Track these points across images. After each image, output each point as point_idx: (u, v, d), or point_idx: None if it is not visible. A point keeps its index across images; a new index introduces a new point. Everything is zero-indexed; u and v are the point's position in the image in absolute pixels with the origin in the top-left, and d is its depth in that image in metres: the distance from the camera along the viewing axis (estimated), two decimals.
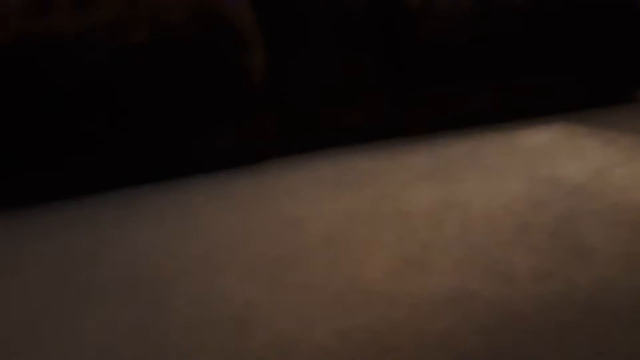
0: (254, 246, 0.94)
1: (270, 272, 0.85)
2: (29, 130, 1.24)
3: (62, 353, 0.72)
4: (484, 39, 1.28)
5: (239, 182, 1.25)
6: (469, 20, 1.26)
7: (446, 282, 0.77)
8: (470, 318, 0.70)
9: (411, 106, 1.37)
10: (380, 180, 1.13)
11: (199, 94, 1.25)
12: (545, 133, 1.22)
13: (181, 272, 0.88)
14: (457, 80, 1.33)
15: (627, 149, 1.08)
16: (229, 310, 0.76)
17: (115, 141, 1.27)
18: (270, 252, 0.91)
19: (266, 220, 1.03)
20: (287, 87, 1.32)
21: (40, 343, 0.74)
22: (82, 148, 1.27)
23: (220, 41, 1.22)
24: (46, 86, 1.21)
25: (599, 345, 0.67)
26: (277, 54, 1.29)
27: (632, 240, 0.80)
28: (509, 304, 0.72)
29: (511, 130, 1.26)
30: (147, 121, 1.26)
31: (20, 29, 1.21)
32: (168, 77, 1.23)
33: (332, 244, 0.91)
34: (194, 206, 1.15)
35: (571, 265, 0.76)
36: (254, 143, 1.35)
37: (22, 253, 1.03)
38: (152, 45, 1.19)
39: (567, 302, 0.71)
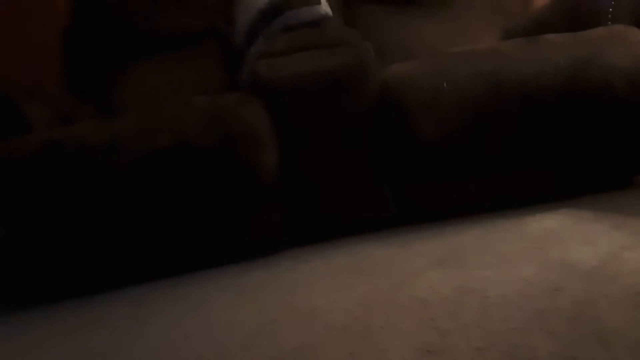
0: (270, 339, 0.93)
1: None
2: (50, 230, 1.27)
3: None
4: (486, 135, 1.34)
5: (252, 274, 1.26)
6: (469, 120, 1.33)
7: None
8: None
9: (416, 198, 1.41)
10: (394, 268, 1.13)
11: (214, 191, 1.30)
12: (552, 219, 1.25)
13: None
14: (460, 174, 1.37)
15: (635, 233, 1.09)
16: None
17: (134, 238, 1.30)
18: (287, 344, 0.90)
19: (282, 312, 1.02)
20: (297, 183, 1.37)
21: None
22: (104, 246, 1.29)
23: (237, 143, 1.29)
24: (71, 189, 1.26)
25: None
26: (288, 153, 1.35)
27: None
28: None
29: (518, 217, 1.29)
30: (166, 218, 1.30)
31: (48, 137, 1.28)
32: (185, 177, 1.28)
33: (350, 334, 0.90)
34: (208, 300, 1.15)
35: (593, 350, 0.75)
36: (266, 236, 1.38)
37: (40, 357, 1.02)
38: (173, 149, 1.26)
39: None
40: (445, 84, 1.32)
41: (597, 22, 1.49)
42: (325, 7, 1.59)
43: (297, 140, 1.37)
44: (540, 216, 1.27)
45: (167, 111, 1.34)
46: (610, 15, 1.51)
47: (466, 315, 0.90)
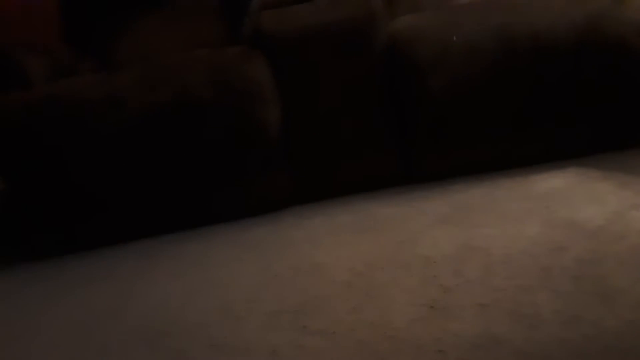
0: (274, 294, 0.94)
1: (293, 319, 0.85)
2: (53, 185, 1.27)
3: None
4: (494, 92, 1.31)
5: (257, 230, 1.26)
6: (479, 76, 1.30)
7: (472, 327, 0.76)
8: None
9: (423, 156, 1.39)
10: (398, 226, 1.13)
11: (218, 148, 1.29)
12: (558, 178, 1.23)
13: (202, 322, 0.88)
14: (468, 130, 1.35)
15: None
16: None
17: (138, 194, 1.30)
18: (291, 299, 0.91)
19: (285, 268, 1.03)
20: (301, 141, 1.35)
21: None
22: (107, 201, 1.29)
23: (239, 98, 1.27)
24: (73, 144, 1.25)
25: None
26: (292, 110, 1.33)
27: None
28: (537, 350, 0.71)
29: (524, 176, 1.28)
30: (169, 175, 1.29)
31: (46, 92, 1.26)
32: (189, 133, 1.27)
33: (353, 290, 0.91)
34: (212, 256, 1.16)
35: (597, 309, 0.76)
36: (271, 193, 1.37)
37: (45, 310, 1.04)
38: (173, 104, 1.24)
39: (596, 346, 0.70)
40: (454, 37, 1.29)
41: None
42: None
43: (302, 97, 1.34)
44: (546, 175, 1.26)
45: (167, 66, 1.31)
46: None
47: (469, 272, 0.90)
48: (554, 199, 1.13)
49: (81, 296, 1.07)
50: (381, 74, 1.35)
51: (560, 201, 1.11)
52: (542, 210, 1.08)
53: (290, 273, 1.01)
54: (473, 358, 0.70)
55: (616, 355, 0.69)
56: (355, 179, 1.40)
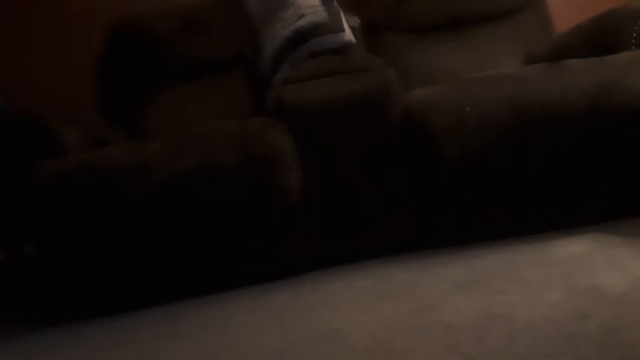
0: None
1: None
2: (81, 249, 1.30)
3: None
4: (508, 160, 1.34)
5: (277, 295, 1.27)
6: (493, 143, 1.33)
7: None
8: None
9: (441, 221, 1.40)
10: (418, 291, 1.13)
11: (241, 213, 1.32)
12: (578, 244, 1.23)
13: None
14: (484, 196, 1.37)
15: None
16: None
17: (162, 258, 1.33)
18: None
19: (305, 334, 1.03)
20: (321, 205, 1.39)
21: None
22: (133, 266, 1.32)
23: (262, 165, 1.32)
24: (103, 210, 1.29)
25: None
26: (312, 176, 1.37)
27: None
28: None
29: (543, 242, 1.28)
30: (193, 239, 1.32)
31: (81, 160, 1.33)
32: (213, 198, 1.31)
33: (374, 357, 0.90)
34: (232, 321, 1.16)
35: None
36: (291, 257, 1.39)
37: None
38: (199, 171, 1.29)
39: None
40: (467, 108, 1.34)
41: (621, 47, 1.49)
42: (349, 35, 1.63)
43: (322, 163, 1.39)
44: (565, 241, 1.26)
45: (195, 135, 1.38)
46: (634, 40, 1.51)
47: (492, 340, 0.89)
48: (574, 265, 1.12)
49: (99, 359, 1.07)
50: (398, 142, 1.40)
51: (580, 267, 1.10)
52: (563, 277, 1.07)
53: (309, 339, 1.01)
54: None
55: None
56: (375, 243, 1.41)
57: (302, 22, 1.62)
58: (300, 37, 1.62)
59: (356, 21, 2.03)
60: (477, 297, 1.04)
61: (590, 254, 1.17)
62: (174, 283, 1.35)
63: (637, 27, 1.51)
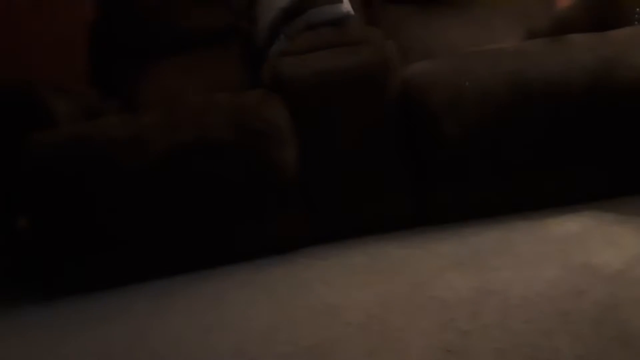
0: (288, 336, 0.93)
1: None
2: (75, 223, 1.29)
3: None
4: (507, 136, 1.33)
5: (271, 271, 1.26)
6: (492, 119, 1.32)
7: None
8: None
9: (438, 198, 1.40)
10: (412, 268, 1.13)
11: (236, 188, 1.31)
12: (575, 221, 1.23)
13: None
14: (482, 173, 1.36)
15: None
16: None
17: (156, 232, 1.32)
18: (305, 341, 0.90)
19: (299, 309, 1.02)
20: (317, 181, 1.37)
21: None
22: (127, 240, 1.31)
23: (257, 140, 1.30)
24: (96, 183, 1.28)
25: None
26: (308, 151, 1.35)
27: None
28: None
29: (539, 219, 1.27)
30: (187, 214, 1.31)
31: (73, 132, 1.31)
32: (208, 173, 1.29)
33: (369, 332, 0.90)
34: (227, 296, 1.16)
35: (617, 354, 0.74)
36: (286, 233, 1.38)
37: (62, 347, 1.03)
38: (194, 145, 1.27)
39: None
40: (467, 83, 1.31)
41: (623, 23, 1.47)
42: (347, 6, 1.59)
43: (318, 138, 1.37)
44: (562, 218, 1.25)
45: (189, 108, 1.36)
46: (636, 15, 1.49)
47: (487, 316, 0.89)
48: (570, 242, 1.12)
49: (95, 334, 1.07)
50: (396, 117, 1.38)
51: (577, 245, 1.10)
52: (559, 254, 1.07)
53: (304, 314, 1.01)
54: None
55: None
56: (371, 220, 1.40)
57: None
58: (297, 8, 1.59)
59: None
60: (473, 274, 1.04)
61: (586, 231, 1.17)
62: (168, 258, 1.34)
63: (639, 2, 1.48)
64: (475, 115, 1.31)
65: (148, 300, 1.20)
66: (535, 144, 1.33)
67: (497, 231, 1.25)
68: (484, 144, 1.33)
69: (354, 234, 1.39)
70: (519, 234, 1.21)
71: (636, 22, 1.47)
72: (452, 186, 1.38)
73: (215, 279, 1.27)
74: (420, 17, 2.01)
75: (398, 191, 1.40)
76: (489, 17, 2.02)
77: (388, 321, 0.92)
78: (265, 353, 0.89)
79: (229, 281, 1.24)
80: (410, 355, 0.81)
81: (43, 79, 1.58)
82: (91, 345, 1.02)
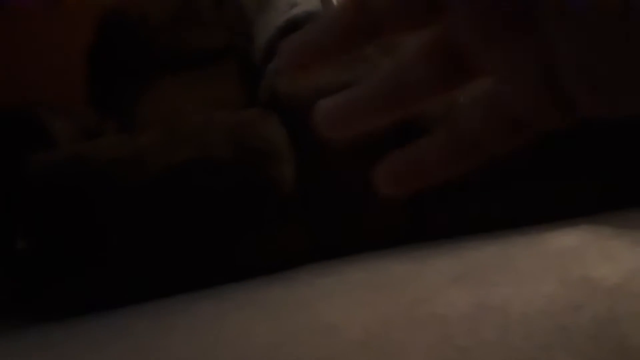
0: (288, 354, 0.93)
1: None
2: (74, 242, 1.29)
3: None
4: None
5: (270, 289, 1.26)
6: None
7: None
8: None
9: (435, 212, 1.40)
10: (412, 284, 1.13)
11: (234, 206, 1.32)
12: (572, 235, 1.23)
13: None
14: (478, 188, 1.37)
15: None
16: None
17: (155, 250, 1.32)
18: (305, 359, 0.90)
19: (299, 327, 1.02)
20: (315, 198, 1.38)
21: None
22: (126, 258, 1.31)
23: (255, 157, 1.31)
24: (95, 203, 1.28)
25: None
26: (306, 168, 1.36)
27: None
28: None
29: (537, 233, 1.28)
30: (186, 231, 1.32)
31: (73, 152, 1.32)
32: (206, 191, 1.30)
33: (369, 350, 0.90)
34: (227, 315, 1.16)
35: None
36: (284, 250, 1.38)
37: None
38: (192, 163, 1.28)
39: None
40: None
41: None
42: None
43: (316, 155, 1.38)
44: (559, 232, 1.26)
45: (188, 127, 1.37)
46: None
47: (486, 332, 0.89)
48: (568, 257, 1.12)
49: (98, 356, 1.06)
50: (393, 133, 1.39)
51: (574, 259, 1.11)
52: (557, 269, 1.07)
53: (304, 333, 1.01)
54: None
55: None
56: (369, 236, 1.41)
57: (295, 11, 1.61)
58: (294, 27, 1.61)
59: None
60: (471, 290, 1.05)
61: (584, 245, 1.17)
62: (168, 276, 1.34)
63: None
64: None
65: (149, 320, 1.20)
66: (530, 158, 1.34)
67: (495, 246, 1.25)
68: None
69: (353, 250, 1.39)
70: (517, 249, 1.21)
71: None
72: (449, 200, 1.39)
73: (215, 298, 1.27)
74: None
75: (396, 207, 1.40)
76: None
77: (388, 338, 0.93)
78: None
79: (229, 300, 1.24)
80: None
81: (42, 100, 1.59)
82: None
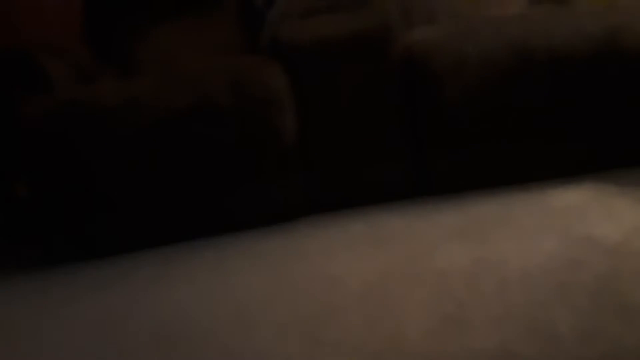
0: (286, 304, 0.94)
1: (306, 330, 0.85)
2: (72, 189, 1.28)
3: None
4: (510, 103, 1.31)
5: (270, 240, 1.27)
6: (495, 86, 1.30)
7: (487, 341, 0.75)
8: None
9: (439, 166, 1.39)
10: (412, 238, 1.13)
11: (234, 155, 1.30)
12: (575, 193, 1.22)
13: (216, 329, 0.89)
14: (483, 141, 1.35)
15: None
16: None
17: (154, 198, 1.31)
18: (303, 310, 0.91)
19: (299, 278, 1.03)
20: (316, 148, 1.36)
21: None
22: (125, 206, 1.31)
23: (256, 105, 1.28)
24: (93, 149, 1.27)
25: None
26: (308, 118, 1.34)
27: None
28: None
29: (540, 190, 1.27)
30: (185, 180, 1.30)
31: (69, 97, 1.29)
32: (206, 138, 1.28)
33: (367, 302, 0.91)
34: (226, 264, 1.16)
35: (616, 326, 0.75)
36: (285, 202, 1.38)
37: (62, 314, 1.05)
38: (191, 110, 1.26)
39: None
40: (470, 48, 1.29)
41: None
42: None
43: (318, 105, 1.35)
44: (562, 190, 1.25)
45: (187, 72, 1.33)
46: None
47: (485, 287, 0.89)
48: (570, 214, 1.12)
49: (96, 300, 1.08)
50: (398, 84, 1.36)
51: (577, 216, 1.10)
52: (559, 226, 1.07)
53: (303, 284, 1.01)
54: None
55: None
56: (371, 189, 1.40)
57: None
58: None
59: None
60: (472, 245, 1.04)
61: (586, 203, 1.17)
62: (167, 225, 1.34)
63: None
64: (477, 81, 1.30)
65: (148, 268, 1.21)
66: (538, 111, 1.32)
67: (497, 202, 1.24)
68: (485, 110, 1.32)
69: (354, 202, 1.39)
70: (519, 205, 1.21)
71: None
72: (452, 154, 1.37)
73: (215, 247, 1.27)
74: None
75: (399, 159, 1.39)
76: None
77: (386, 291, 0.93)
78: (265, 320, 0.90)
79: (229, 250, 1.24)
80: (407, 325, 0.82)
81: (38, 42, 1.54)
82: (91, 310, 1.03)
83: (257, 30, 1.74)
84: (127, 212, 1.32)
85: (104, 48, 1.87)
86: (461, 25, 1.39)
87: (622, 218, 1.06)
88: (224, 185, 1.33)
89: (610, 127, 1.35)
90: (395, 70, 1.35)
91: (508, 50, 1.30)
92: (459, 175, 1.39)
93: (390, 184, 1.40)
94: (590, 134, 1.35)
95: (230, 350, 0.82)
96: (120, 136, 1.27)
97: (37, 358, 0.89)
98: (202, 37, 1.85)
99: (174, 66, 1.39)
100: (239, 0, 1.92)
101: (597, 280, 0.86)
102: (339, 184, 1.39)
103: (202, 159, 1.30)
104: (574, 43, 1.29)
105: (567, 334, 0.75)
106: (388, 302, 0.90)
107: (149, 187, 1.30)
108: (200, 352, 0.82)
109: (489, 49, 1.30)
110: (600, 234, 1.00)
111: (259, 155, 1.31)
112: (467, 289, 0.89)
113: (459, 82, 1.30)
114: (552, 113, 1.32)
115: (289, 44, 1.34)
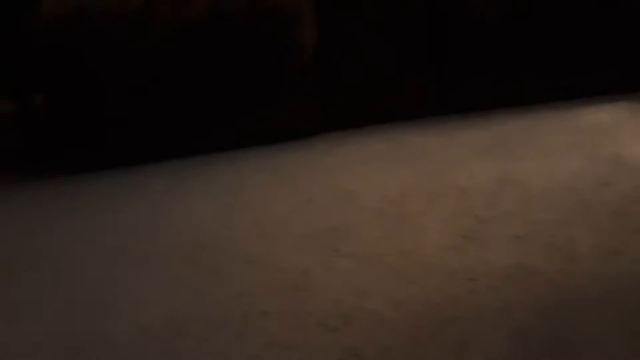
0: (305, 217, 0.95)
1: (324, 242, 0.86)
2: (87, 99, 1.27)
3: (131, 310, 0.74)
4: (539, 20, 1.23)
5: (288, 156, 1.26)
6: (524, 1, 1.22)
7: (505, 257, 0.75)
8: (530, 295, 0.69)
9: (464, 84, 1.34)
10: (433, 156, 1.11)
11: (250, 68, 1.26)
12: (608, 112, 1.17)
13: (236, 239, 0.90)
14: (511, 59, 1.29)
15: None
16: (286, 278, 0.78)
17: (168, 110, 1.30)
18: (322, 223, 0.92)
19: (317, 193, 1.03)
20: (336, 65, 1.31)
21: (110, 301, 0.77)
22: (138, 117, 1.30)
23: (274, 16, 1.22)
24: (106, 59, 1.24)
25: None
26: (328, 34, 1.28)
27: None
28: (571, 283, 0.70)
29: (570, 109, 1.22)
30: (200, 93, 1.28)
31: (78, 5, 1.24)
32: (221, 50, 1.24)
33: (385, 217, 0.90)
34: (244, 179, 1.16)
35: (636, 245, 0.74)
36: (303, 118, 1.35)
37: (87, 221, 1.06)
38: (206, 19, 1.20)
39: (632, 283, 0.69)
40: None
41: None
42: None
43: (339, 21, 1.29)
44: (594, 108, 1.20)
45: None
46: None
47: (506, 204, 0.88)
48: (600, 133, 1.08)
49: (117, 209, 1.09)
50: (424, 2, 1.28)
51: (607, 136, 1.06)
52: (587, 145, 1.03)
53: (322, 198, 1.01)
54: (504, 287, 0.70)
55: None
56: (392, 106, 1.36)
57: None
58: None
59: None
60: (495, 163, 1.02)
61: (618, 123, 1.12)
62: (181, 138, 1.33)
63: None
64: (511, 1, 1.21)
65: (163, 180, 1.21)
66: (570, 31, 1.24)
67: (524, 120, 1.20)
68: (514, 26, 1.24)
69: (374, 121, 1.36)
70: (548, 124, 1.17)
71: None
72: (479, 71, 1.32)
73: (231, 162, 1.27)
74: None
75: (422, 76, 1.34)
76: None
77: (405, 207, 0.93)
78: (284, 233, 0.91)
79: (247, 164, 1.24)
80: (425, 240, 0.82)
81: None
82: (111, 218, 1.05)
83: None
84: (140, 121, 1.30)
85: None
86: None
87: None
88: (240, 98, 1.31)
89: None
90: None
91: None
92: (486, 93, 1.34)
93: (413, 102, 1.36)
94: (624, 53, 1.27)
95: (251, 260, 0.84)
96: (131, 45, 1.23)
97: (68, 254, 0.92)
98: None
99: None
100: None
101: (621, 201, 0.84)
102: (357, 101, 1.36)
103: (216, 72, 1.26)
104: None
105: (586, 252, 0.74)
106: (405, 217, 0.89)
107: (163, 97, 1.28)
108: (222, 262, 0.84)
109: None
110: (629, 155, 0.97)
111: (275, 69, 1.27)
112: (487, 206, 0.88)
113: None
114: (585, 30, 1.24)
115: None
